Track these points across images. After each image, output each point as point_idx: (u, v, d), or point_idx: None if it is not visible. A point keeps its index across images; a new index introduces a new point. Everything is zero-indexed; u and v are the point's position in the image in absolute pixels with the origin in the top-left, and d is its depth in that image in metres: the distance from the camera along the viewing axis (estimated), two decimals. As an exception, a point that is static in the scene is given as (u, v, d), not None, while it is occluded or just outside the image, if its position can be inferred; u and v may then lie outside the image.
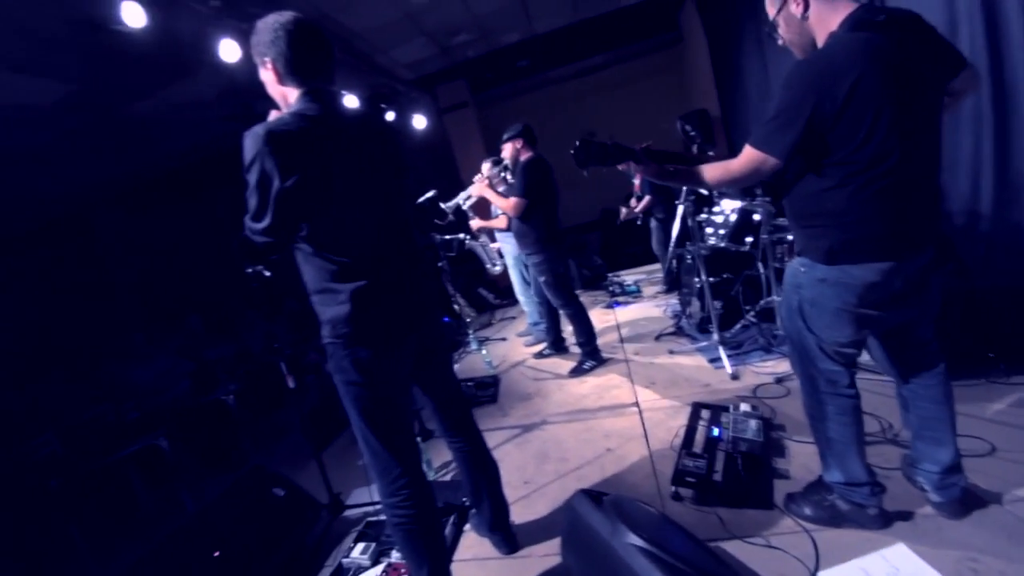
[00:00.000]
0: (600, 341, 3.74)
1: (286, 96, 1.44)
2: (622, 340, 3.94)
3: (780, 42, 1.46)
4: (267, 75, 1.44)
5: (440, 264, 4.57)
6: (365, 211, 1.43)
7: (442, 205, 3.96)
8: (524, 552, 1.93)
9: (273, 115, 1.46)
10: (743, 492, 1.88)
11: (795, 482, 1.89)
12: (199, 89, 4.89)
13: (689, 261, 3.65)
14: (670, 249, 4.03)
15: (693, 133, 3.32)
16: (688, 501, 1.97)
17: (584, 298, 5.48)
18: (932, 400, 1.54)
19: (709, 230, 3.31)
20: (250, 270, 1.98)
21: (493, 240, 4.63)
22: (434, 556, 1.58)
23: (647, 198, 5.01)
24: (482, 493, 1.89)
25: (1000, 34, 2.29)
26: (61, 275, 7.50)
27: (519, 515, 2.11)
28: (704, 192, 3.72)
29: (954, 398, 1.55)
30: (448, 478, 2.61)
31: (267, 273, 1.99)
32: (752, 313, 3.33)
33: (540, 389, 3.46)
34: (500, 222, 4.29)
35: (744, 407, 2.33)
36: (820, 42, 1.36)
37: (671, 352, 3.43)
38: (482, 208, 4.59)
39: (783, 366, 2.82)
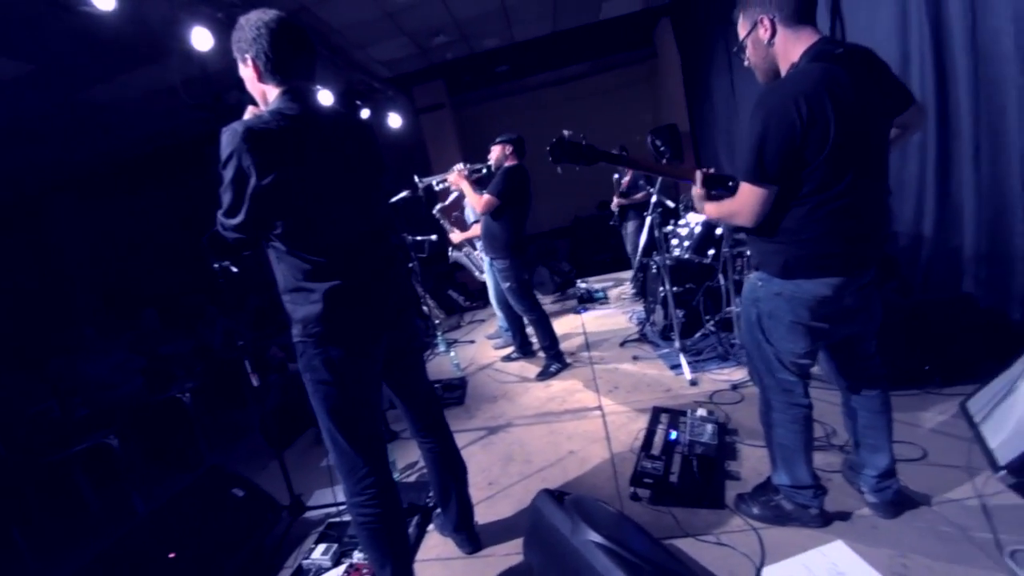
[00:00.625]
0: (566, 346, 3.82)
1: (265, 94, 1.44)
2: (588, 345, 4.03)
3: (746, 63, 1.54)
4: (247, 72, 1.43)
5: (411, 265, 4.57)
6: (341, 211, 1.44)
7: (416, 179, 3.97)
8: (487, 551, 1.96)
9: (250, 111, 1.45)
10: (697, 493, 1.97)
11: (745, 483, 1.99)
12: (165, 76, 4.72)
13: (654, 271, 3.77)
14: (637, 258, 4.14)
15: (663, 148, 3.45)
16: (645, 501, 2.04)
17: (553, 303, 5.60)
18: (872, 410, 1.66)
19: (675, 241, 3.44)
20: (217, 265, 1.94)
21: (475, 248, 4.66)
22: (397, 555, 1.59)
23: (643, 191, 4.93)
24: (450, 493, 1.91)
25: (947, 72, 2.48)
26: (7, 262, 7.06)
27: (483, 516, 2.14)
28: (671, 204, 3.85)
29: (892, 408, 1.68)
30: (413, 479, 2.62)
31: (234, 269, 1.96)
32: (712, 322, 3.47)
33: (506, 392, 3.50)
34: (476, 230, 4.33)
35: (701, 412, 2.44)
36: (783, 70, 1.45)
37: (635, 358, 3.53)
38: (459, 220, 4.64)
39: (739, 374, 2.95)
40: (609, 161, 1.77)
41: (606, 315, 4.80)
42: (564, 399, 3.18)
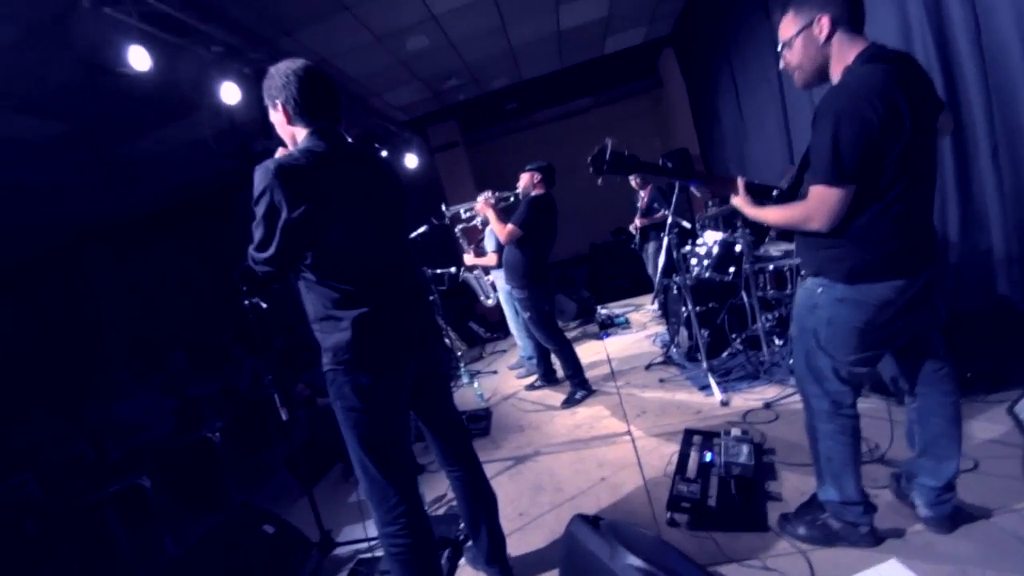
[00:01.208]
0: (591, 373, 3.78)
1: (294, 135, 1.52)
2: (613, 371, 3.98)
3: (782, 65, 1.53)
4: (277, 116, 1.52)
5: (432, 298, 4.61)
6: (367, 241, 1.49)
7: (444, 207, 4.02)
8: (521, 584, 1.90)
9: (281, 152, 1.53)
10: (737, 515, 1.89)
11: (787, 504, 1.91)
12: (196, 130, 4.99)
13: (675, 292, 3.74)
14: (657, 279, 4.12)
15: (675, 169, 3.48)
16: (684, 526, 1.97)
17: (574, 331, 5.57)
18: (946, 417, 1.59)
19: (693, 261, 3.43)
20: (247, 302, 2.00)
21: (487, 273, 4.69)
22: (431, 587, 1.56)
23: (661, 212, 4.98)
24: (480, 524, 1.86)
25: (955, 76, 2.49)
26: (47, 310, 7.37)
27: (515, 547, 2.08)
28: (687, 224, 3.85)
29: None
30: (441, 512, 2.57)
31: (263, 305, 2.02)
32: (739, 340, 3.40)
33: (532, 421, 3.46)
34: (491, 260, 4.38)
35: (735, 432, 2.36)
36: (834, 73, 1.43)
37: (661, 381, 3.47)
38: (475, 242, 4.69)
39: (771, 392, 2.88)
40: (650, 172, 1.80)
41: (629, 339, 4.76)
42: (592, 425, 3.12)
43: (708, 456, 2.21)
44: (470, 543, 2.00)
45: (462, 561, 2.12)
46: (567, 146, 8.38)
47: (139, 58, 2.88)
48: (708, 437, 2.37)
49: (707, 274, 3.32)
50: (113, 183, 6.03)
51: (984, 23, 2.26)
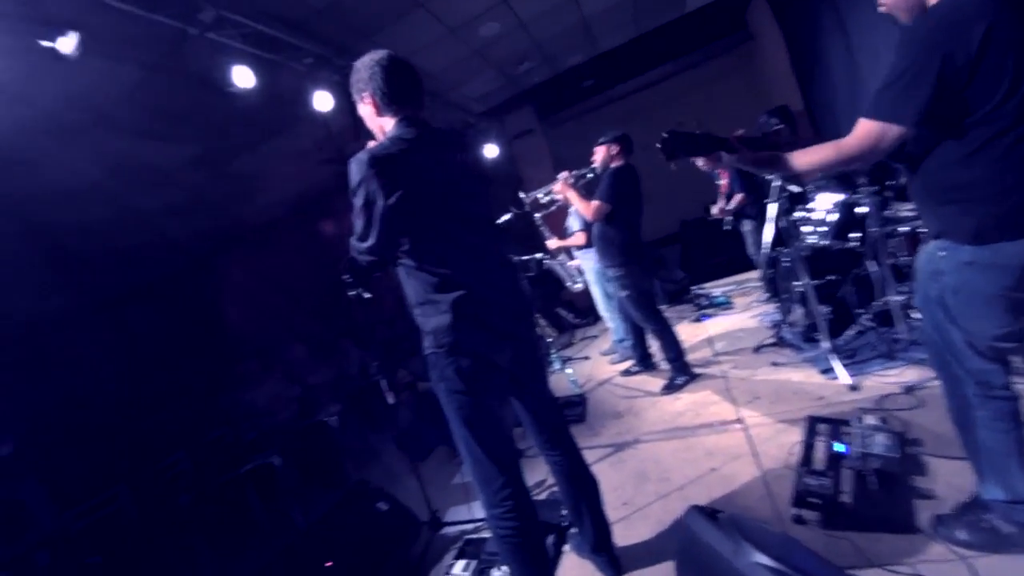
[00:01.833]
0: (692, 356, 3.56)
1: (383, 127, 1.56)
2: (716, 354, 3.72)
3: (882, 8, 1.34)
4: (366, 109, 1.56)
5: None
6: (460, 223, 1.49)
7: (521, 195, 3.98)
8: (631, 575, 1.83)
9: (371, 144, 1.57)
10: (879, 514, 1.67)
11: (942, 503, 1.65)
12: (297, 141, 5.41)
13: (786, 264, 3.39)
14: (763, 253, 3.76)
15: (780, 125, 3.12)
16: (813, 524, 1.77)
17: (669, 313, 5.29)
18: None
19: (807, 228, 3.06)
20: (352, 293, 2.11)
21: (571, 258, 4.60)
22: (541, 572, 1.55)
23: (739, 196, 4.61)
24: (582, 511, 1.82)
25: None
26: (187, 312, 8.54)
27: (621, 537, 2.01)
28: (797, 188, 3.46)
29: None
30: (543, 497, 2.56)
31: (367, 295, 2.12)
32: (866, 316, 3.01)
33: (631, 407, 3.34)
34: (578, 239, 4.26)
35: (870, 420, 2.08)
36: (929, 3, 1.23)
37: (774, 364, 3.18)
38: (557, 227, 4.60)
39: (910, 374, 2.51)
40: (729, 149, 1.61)
41: (731, 321, 4.43)
42: (697, 412, 2.94)
43: (839, 447, 1.97)
44: (575, 529, 1.96)
45: (567, 547, 2.09)
46: (648, 119, 7.92)
47: (243, 76, 3.15)
48: (837, 425, 2.12)
49: (824, 242, 2.96)
50: (232, 198, 6.74)
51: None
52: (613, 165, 3.32)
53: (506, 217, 4.30)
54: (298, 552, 2.21)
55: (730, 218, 4.86)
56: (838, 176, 3.20)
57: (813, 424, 2.17)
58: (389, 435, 4.05)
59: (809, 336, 3.21)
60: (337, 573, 2.07)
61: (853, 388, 2.58)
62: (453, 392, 1.48)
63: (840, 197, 2.96)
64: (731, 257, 6.57)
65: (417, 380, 4.70)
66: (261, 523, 3.48)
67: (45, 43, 2.24)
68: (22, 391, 7.22)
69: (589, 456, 2.73)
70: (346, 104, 4.27)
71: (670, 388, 3.34)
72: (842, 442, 1.99)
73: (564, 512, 2.19)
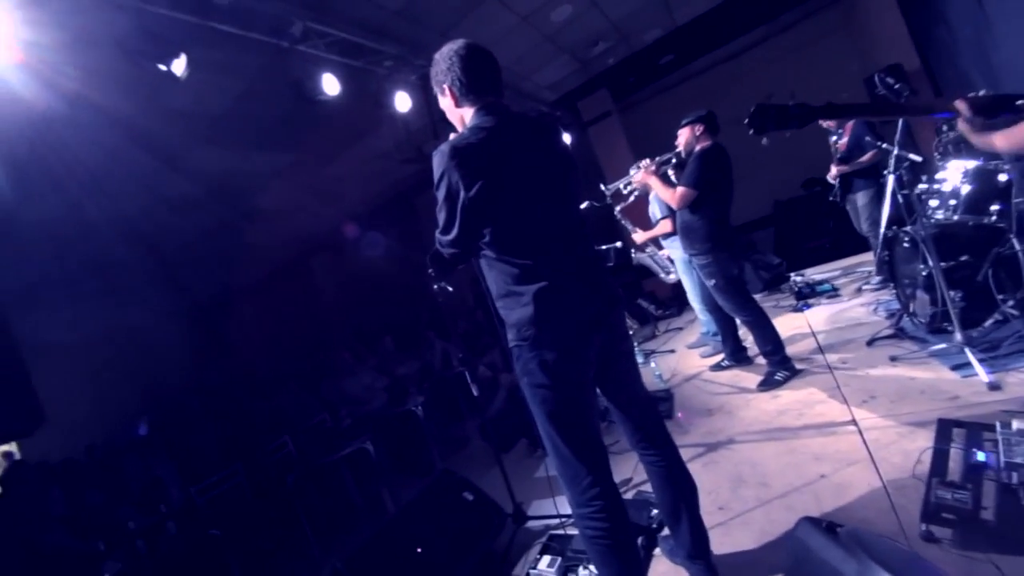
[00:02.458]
0: (792, 349, 3.26)
1: (463, 117, 1.55)
2: (821, 348, 3.38)
3: None
4: (446, 101, 1.56)
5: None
6: (543, 212, 1.45)
7: (602, 187, 3.86)
8: (731, 587, 1.71)
9: (452, 137, 1.57)
10: (1034, 536, 1.41)
11: None
12: (379, 143, 5.66)
13: (907, 245, 2.98)
14: (881, 231, 3.31)
15: (897, 86, 2.71)
16: (946, 544, 1.55)
17: (765, 303, 4.90)
18: None
19: (934, 202, 2.67)
20: (436, 287, 2.15)
21: (660, 248, 4.38)
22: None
23: (871, 153, 3.92)
24: (680, 515, 1.70)
25: None
26: (286, 307, 9.37)
27: (717, 544, 1.87)
28: (918, 157, 3.02)
29: None
30: (629, 496, 2.47)
31: (450, 289, 2.15)
32: (1011, 303, 2.58)
33: (722, 404, 3.12)
34: (663, 227, 4.06)
35: (1019, 424, 1.78)
36: None
37: (892, 359, 2.81)
38: (641, 219, 4.40)
39: (1075, 372, 2.11)
40: (830, 116, 1.39)
41: (838, 310, 4.00)
42: (801, 412, 2.68)
43: (980, 455, 1.71)
44: (666, 532, 1.86)
45: (657, 551, 1.99)
46: (734, 92, 7.33)
47: (330, 84, 3.32)
48: (976, 430, 1.84)
49: (956, 217, 2.57)
50: (325, 200, 7.22)
51: None
52: (699, 147, 3.10)
53: (584, 205, 4.19)
54: (390, 537, 2.30)
55: (836, 187, 4.34)
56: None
57: (946, 428, 1.90)
58: (473, 425, 4.15)
59: (936, 327, 2.81)
60: (426, 560, 2.13)
61: (993, 387, 2.22)
62: (537, 386, 1.45)
63: (974, 164, 2.55)
64: (834, 240, 5.97)
65: (497, 372, 4.76)
66: (357, 505, 3.71)
67: (161, 67, 2.47)
68: (153, 380, 8.34)
69: (679, 455, 2.63)
70: (423, 104, 4.40)
71: (767, 384, 3.08)
72: (983, 450, 1.72)
73: (654, 513, 2.09)
